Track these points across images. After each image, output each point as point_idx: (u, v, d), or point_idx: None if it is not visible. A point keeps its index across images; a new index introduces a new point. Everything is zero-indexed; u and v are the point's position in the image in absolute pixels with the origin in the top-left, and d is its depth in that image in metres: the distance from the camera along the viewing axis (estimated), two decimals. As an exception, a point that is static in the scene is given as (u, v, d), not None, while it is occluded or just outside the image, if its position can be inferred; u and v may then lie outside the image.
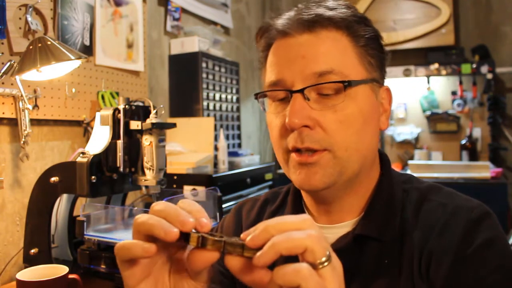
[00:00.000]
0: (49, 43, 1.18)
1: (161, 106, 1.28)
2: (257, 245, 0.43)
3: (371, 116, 0.67)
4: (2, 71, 1.24)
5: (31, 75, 1.20)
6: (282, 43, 0.67)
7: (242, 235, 0.45)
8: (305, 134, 0.62)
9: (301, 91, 0.63)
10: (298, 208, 0.76)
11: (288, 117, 0.62)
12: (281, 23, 0.67)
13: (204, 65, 2.20)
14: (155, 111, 1.21)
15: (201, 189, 1.65)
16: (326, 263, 0.42)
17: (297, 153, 0.64)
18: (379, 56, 0.69)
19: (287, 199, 0.80)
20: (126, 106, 1.21)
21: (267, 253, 0.41)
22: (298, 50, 0.64)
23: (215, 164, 2.06)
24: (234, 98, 2.52)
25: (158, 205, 0.48)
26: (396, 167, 3.10)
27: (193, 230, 0.46)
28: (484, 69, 2.91)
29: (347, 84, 0.62)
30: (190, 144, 2.00)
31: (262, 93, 0.69)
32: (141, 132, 1.21)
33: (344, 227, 0.69)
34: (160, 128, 1.20)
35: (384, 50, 0.71)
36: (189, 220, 0.46)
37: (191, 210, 0.48)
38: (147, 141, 1.19)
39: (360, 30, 0.66)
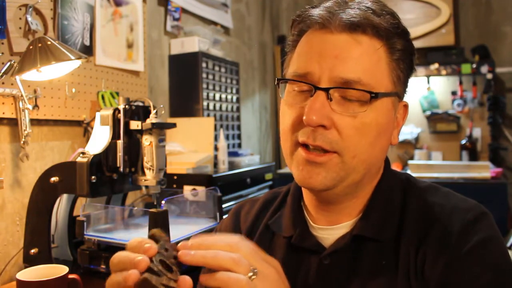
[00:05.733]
0: (49, 43, 1.18)
1: (161, 106, 1.28)
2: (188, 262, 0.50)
3: (385, 129, 0.66)
4: (2, 71, 1.24)
5: (31, 75, 1.20)
6: (318, 35, 0.65)
7: (179, 246, 0.52)
8: (319, 133, 0.62)
9: (327, 90, 0.62)
10: (297, 208, 0.76)
11: (306, 112, 0.61)
12: (321, 14, 0.65)
13: (204, 65, 2.20)
14: (155, 111, 1.21)
15: (201, 189, 1.65)
16: (252, 277, 0.50)
17: (304, 149, 0.63)
18: (407, 71, 0.68)
19: (286, 199, 0.79)
20: (126, 106, 1.21)
21: (193, 257, 0.50)
22: (333, 48, 0.63)
23: (215, 164, 2.06)
24: (234, 98, 2.52)
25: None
26: (396, 167, 3.10)
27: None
28: (484, 69, 2.91)
29: (374, 96, 0.62)
30: (190, 144, 2.00)
31: (285, 80, 0.67)
32: (141, 132, 1.21)
33: (342, 228, 0.69)
34: (160, 128, 1.20)
35: (413, 67, 0.69)
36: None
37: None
38: (147, 141, 1.20)
39: (398, 44, 0.65)
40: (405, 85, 0.69)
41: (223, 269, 0.49)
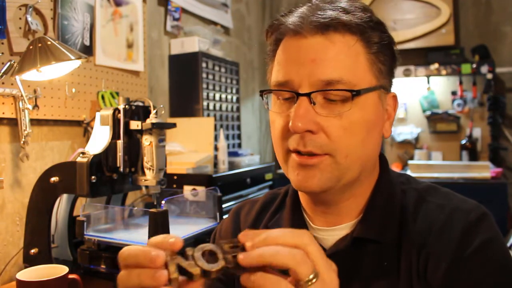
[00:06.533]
0: (49, 43, 1.18)
1: (161, 106, 1.28)
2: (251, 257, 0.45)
3: (375, 124, 0.66)
4: (2, 71, 1.24)
5: (31, 75, 1.20)
6: (293, 42, 0.65)
7: (240, 236, 0.47)
8: (308, 139, 0.62)
9: (308, 94, 0.62)
10: (296, 210, 0.76)
11: (292, 120, 0.61)
12: (293, 21, 0.65)
13: (204, 65, 2.20)
14: (155, 111, 1.21)
15: (201, 189, 1.65)
16: (312, 281, 0.45)
17: (297, 154, 0.64)
18: (389, 62, 0.68)
19: (285, 201, 0.79)
20: (126, 106, 1.21)
21: (252, 258, 0.45)
22: (308, 52, 0.63)
23: (215, 164, 2.06)
24: (234, 98, 2.52)
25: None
26: (396, 167, 3.10)
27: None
28: (484, 69, 2.91)
29: (355, 94, 0.61)
30: (190, 144, 2.00)
31: (267, 91, 0.68)
32: (141, 132, 1.21)
33: (342, 230, 0.69)
34: (160, 128, 1.20)
35: (396, 56, 0.69)
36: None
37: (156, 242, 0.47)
38: (147, 141, 1.20)
39: (374, 37, 0.65)
40: (389, 76, 0.69)
41: (284, 268, 0.45)
